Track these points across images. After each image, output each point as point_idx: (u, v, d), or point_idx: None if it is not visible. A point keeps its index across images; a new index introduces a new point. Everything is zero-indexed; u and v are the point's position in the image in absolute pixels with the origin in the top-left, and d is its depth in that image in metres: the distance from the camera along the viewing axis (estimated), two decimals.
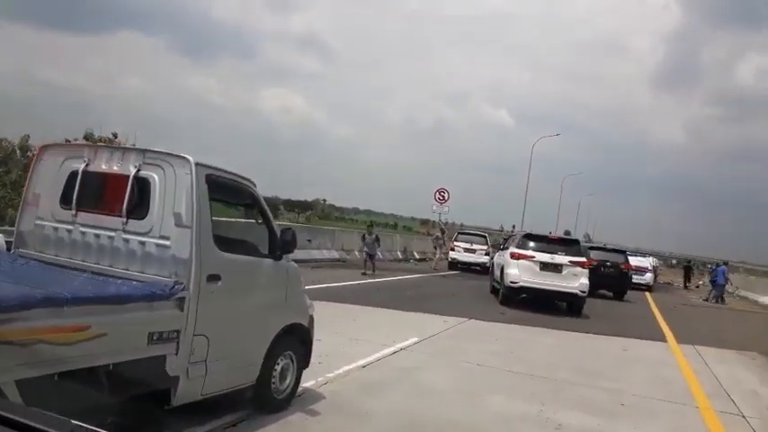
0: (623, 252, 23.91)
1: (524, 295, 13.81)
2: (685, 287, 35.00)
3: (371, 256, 18.10)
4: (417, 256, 29.40)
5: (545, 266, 13.27)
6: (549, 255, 13.43)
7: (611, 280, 20.34)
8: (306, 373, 5.49)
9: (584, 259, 13.85)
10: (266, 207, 4.73)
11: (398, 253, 27.44)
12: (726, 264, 26.39)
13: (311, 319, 5.13)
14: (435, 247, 26.23)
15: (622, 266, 21.10)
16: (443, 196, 35.42)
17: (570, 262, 13.30)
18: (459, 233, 28.31)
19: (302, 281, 5.18)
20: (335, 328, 8.28)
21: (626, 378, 7.40)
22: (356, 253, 22.61)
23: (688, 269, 38.12)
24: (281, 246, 4.64)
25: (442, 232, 27.51)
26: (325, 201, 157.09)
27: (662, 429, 5.67)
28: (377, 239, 18.76)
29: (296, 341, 4.92)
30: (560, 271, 13.25)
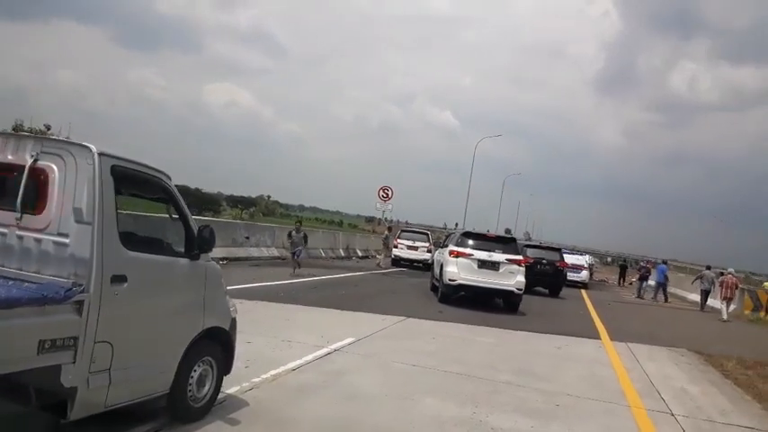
0: (558, 250, 24.37)
1: (462, 293, 13.88)
2: (620, 285, 36.21)
3: (295, 255, 16.79)
4: (360, 254, 29.18)
5: (483, 264, 13.45)
6: (486, 253, 13.60)
7: (547, 277, 20.70)
8: (231, 378, 5.18)
9: (520, 257, 14.07)
10: (182, 202, 4.37)
11: (341, 251, 27.13)
12: (665, 263, 26.90)
13: (233, 322, 4.81)
14: (385, 246, 25.59)
15: (558, 264, 21.49)
16: (387, 194, 35.47)
17: (507, 260, 13.52)
18: (402, 231, 28.86)
19: (223, 282, 4.86)
20: (268, 329, 7.97)
21: (561, 378, 7.38)
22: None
23: (623, 268, 39.51)
24: (198, 244, 4.30)
25: (389, 230, 27.21)
26: (269, 197, 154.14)
27: (595, 430, 5.63)
28: (305, 237, 17.47)
29: (216, 346, 4.60)
30: (497, 269, 13.45)
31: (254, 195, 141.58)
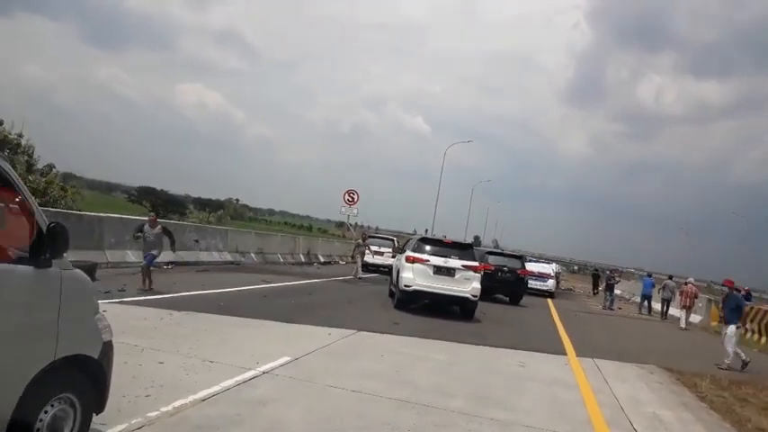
0: (520, 258, 24.23)
1: (426, 300, 13.48)
2: (594, 293, 35.99)
3: (147, 257, 11.51)
4: (322, 260, 28.19)
5: (439, 270, 13.15)
6: (443, 259, 13.30)
7: (508, 285, 20.57)
8: (122, 411, 4.24)
9: (476, 264, 13.73)
10: (27, 193, 3.34)
11: (301, 256, 26.08)
12: (650, 275, 26.53)
13: (107, 347, 3.77)
14: (355, 255, 22.43)
15: (519, 272, 21.18)
16: (353, 198, 34.56)
17: (463, 266, 13.22)
18: (369, 236, 28.61)
19: (91, 296, 3.81)
20: (191, 346, 6.97)
21: (521, 403, 6.53)
22: (252, 255, 21.13)
23: (596, 277, 39.25)
24: (48, 246, 3.27)
25: (364, 239, 23.38)
26: (237, 200, 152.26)
27: None
28: (166, 234, 12.06)
29: (80, 379, 3.58)
30: (453, 275, 13.16)
31: (222, 198, 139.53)
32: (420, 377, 7.06)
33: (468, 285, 13.18)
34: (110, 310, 5.51)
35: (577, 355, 10.42)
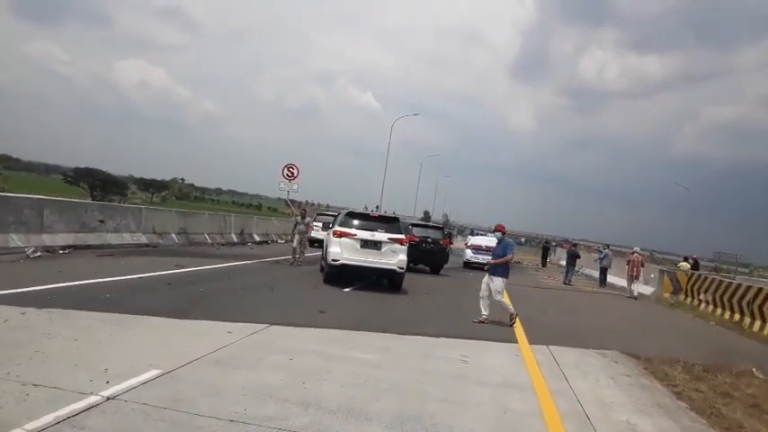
0: (442, 229, 25.00)
1: (353, 273, 13.40)
2: (543, 265, 35.68)
3: None
4: (258, 239, 26.18)
5: (365, 244, 13.27)
6: (369, 232, 13.40)
7: (431, 255, 20.97)
8: None
9: (402, 236, 13.79)
10: None
11: (233, 236, 24.00)
12: (608, 247, 26.07)
13: None
14: (293, 235, 18.06)
15: (441, 242, 21.64)
16: (292, 173, 32.60)
17: (389, 239, 13.36)
18: (318, 214, 29.56)
19: None
20: (23, 361, 5.15)
21: (462, 424, 4.96)
22: (173, 236, 19.02)
23: (546, 249, 39.12)
24: None
25: (303, 216, 19.09)
26: (183, 180, 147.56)
27: None
28: None
29: None
30: (380, 248, 13.29)
31: (167, 179, 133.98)
32: (332, 390, 5.40)
33: (394, 258, 13.33)
34: None
35: (530, 342, 9.01)
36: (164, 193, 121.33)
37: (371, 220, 14.09)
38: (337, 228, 13.67)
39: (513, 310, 10.57)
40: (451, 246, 28.19)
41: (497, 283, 10.44)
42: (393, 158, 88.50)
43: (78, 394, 4.52)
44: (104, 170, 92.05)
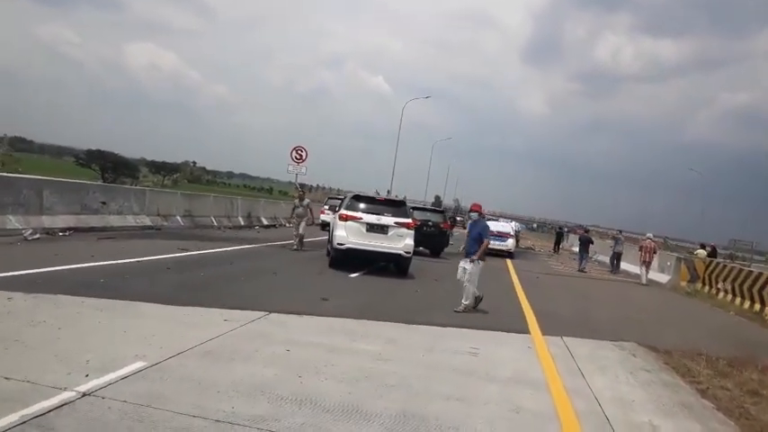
0: (443, 212, 25.44)
1: (359, 257, 13.08)
2: (556, 251, 35.38)
3: None
4: (265, 223, 25.88)
5: (371, 228, 12.98)
6: (375, 216, 13.10)
7: (432, 238, 21.13)
8: None
9: (409, 220, 13.52)
10: None
11: (240, 219, 23.68)
12: (620, 232, 25.91)
13: None
14: (292, 219, 17.58)
15: (442, 226, 21.91)
16: (301, 155, 32.18)
17: (396, 223, 13.09)
18: (328, 198, 30.08)
19: None
20: None
21: (471, 421, 4.55)
22: (178, 218, 18.70)
23: (559, 235, 38.89)
24: None
25: (300, 198, 17.80)
26: (194, 163, 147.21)
27: None
28: None
29: None
30: (386, 232, 13.02)
31: (179, 162, 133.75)
32: (330, 386, 5.00)
33: (400, 242, 13.07)
34: None
35: (543, 333, 8.57)
36: (175, 176, 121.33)
37: (378, 203, 13.84)
38: (343, 211, 13.38)
39: (478, 293, 9.87)
40: (453, 229, 28.31)
41: (474, 267, 9.68)
42: (404, 142, 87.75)
43: (52, 389, 4.16)
44: (116, 153, 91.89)
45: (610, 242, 25.82)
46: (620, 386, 6.17)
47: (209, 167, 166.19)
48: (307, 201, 17.54)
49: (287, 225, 27.41)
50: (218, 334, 6.24)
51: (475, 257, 9.67)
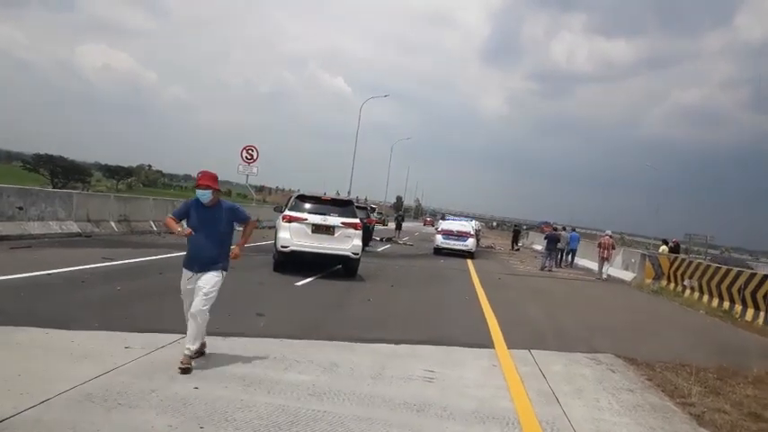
0: (365, 208, 25.58)
1: (305, 260, 12.59)
2: (514, 249, 35.25)
3: None
4: None
5: (317, 228, 12.51)
6: (321, 216, 12.62)
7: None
8: None
9: (357, 221, 13.09)
10: None
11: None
12: (574, 230, 27.52)
13: None
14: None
15: (366, 221, 21.58)
16: (251, 155, 30.90)
17: (343, 223, 12.64)
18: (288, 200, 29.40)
19: None
20: None
21: None
22: (112, 224, 17.13)
23: (517, 233, 38.91)
24: None
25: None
26: (150, 166, 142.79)
27: None
28: None
29: None
30: (333, 233, 12.57)
31: (134, 165, 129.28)
32: None
33: (348, 243, 12.65)
34: None
35: (509, 346, 7.55)
36: (130, 180, 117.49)
37: (323, 203, 13.24)
38: (287, 212, 12.81)
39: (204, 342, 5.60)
40: (382, 225, 30.22)
41: (212, 279, 5.40)
42: (365, 143, 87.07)
43: None
44: (66, 157, 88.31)
45: (567, 237, 25.81)
46: (602, 414, 5.15)
47: (165, 170, 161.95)
48: None
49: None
50: (110, 368, 4.97)
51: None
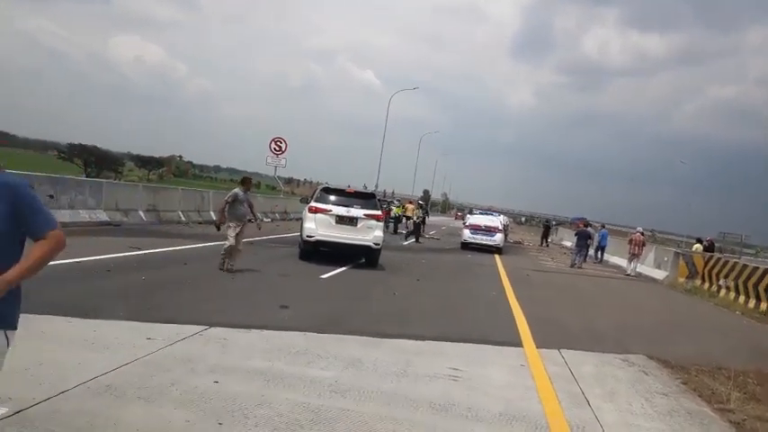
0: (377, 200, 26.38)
1: (328, 249, 13.13)
2: (544, 245, 34.85)
3: None
4: None
5: (341, 220, 12.96)
6: (345, 208, 13.09)
7: None
8: None
9: (379, 213, 13.64)
10: None
11: (212, 213, 22.19)
12: (603, 226, 27.69)
13: None
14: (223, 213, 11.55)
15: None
16: (280, 147, 31.06)
17: (365, 215, 13.08)
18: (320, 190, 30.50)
19: None
20: None
21: None
22: (140, 213, 17.29)
23: (547, 228, 38.32)
24: None
25: (247, 188, 11.82)
26: (180, 157, 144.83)
27: None
28: None
29: None
30: (356, 224, 13.01)
31: (165, 156, 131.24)
32: None
33: (370, 234, 13.05)
34: None
35: (538, 346, 7.33)
36: (161, 171, 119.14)
37: (347, 195, 13.72)
38: (313, 203, 13.29)
39: None
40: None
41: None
42: (393, 137, 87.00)
43: None
44: (100, 147, 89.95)
45: (597, 235, 25.62)
46: (636, 420, 4.93)
47: (196, 161, 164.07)
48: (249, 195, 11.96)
49: (265, 220, 26.02)
50: (132, 359, 4.92)
51: None
